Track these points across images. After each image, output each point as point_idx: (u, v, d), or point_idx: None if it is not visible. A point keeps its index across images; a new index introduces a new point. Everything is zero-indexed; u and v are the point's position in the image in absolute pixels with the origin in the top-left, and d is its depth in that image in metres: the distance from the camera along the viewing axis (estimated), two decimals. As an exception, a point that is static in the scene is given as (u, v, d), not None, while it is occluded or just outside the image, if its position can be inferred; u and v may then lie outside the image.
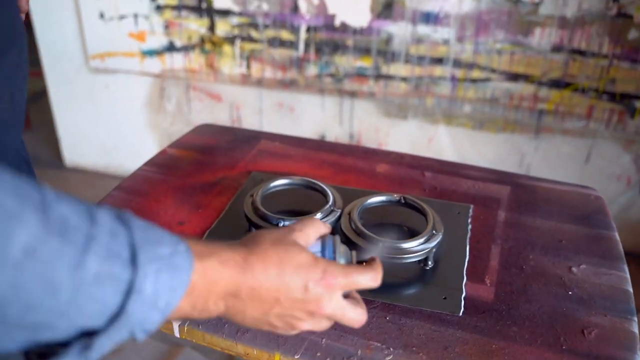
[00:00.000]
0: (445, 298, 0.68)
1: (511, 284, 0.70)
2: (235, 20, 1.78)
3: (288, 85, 1.86)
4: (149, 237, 0.38)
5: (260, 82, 1.88)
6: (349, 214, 0.75)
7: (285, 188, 0.81)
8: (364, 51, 1.74)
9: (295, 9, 1.72)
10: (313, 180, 0.80)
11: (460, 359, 0.60)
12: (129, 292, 0.35)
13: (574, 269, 0.73)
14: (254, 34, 1.79)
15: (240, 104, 1.94)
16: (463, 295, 0.68)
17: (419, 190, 0.89)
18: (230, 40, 1.82)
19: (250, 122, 1.96)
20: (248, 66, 1.86)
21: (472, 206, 0.85)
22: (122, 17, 1.88)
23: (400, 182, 0.91)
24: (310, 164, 0.97)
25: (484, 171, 0.95)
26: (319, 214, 0.74)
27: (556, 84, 1.64)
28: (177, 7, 1.81)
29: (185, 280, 0.40)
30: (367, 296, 0.68)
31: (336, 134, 1.91)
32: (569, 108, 1.66)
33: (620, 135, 1.66)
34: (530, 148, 1.76)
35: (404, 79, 1.76)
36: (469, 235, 0.79)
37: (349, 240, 0.72)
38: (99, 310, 0.35)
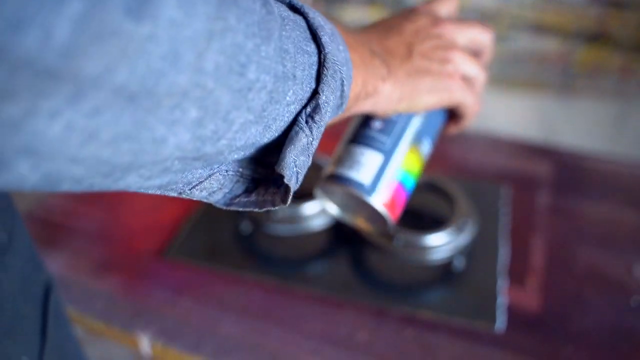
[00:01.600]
0: (479, 306, 0.55)
1: (560, 288, 0.57)
2: None
3: None
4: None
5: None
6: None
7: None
8: (371, 0, 1.56)
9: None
10: (316, 161, 0.66)
11: (502, 391, 0.47)
12: (313, 31, 0.29)
13: (636, 270, 0.59)
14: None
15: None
16: (502, 302, 0.55)
17: (442, 168, 0.75)
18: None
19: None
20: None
21: (504, 187, 0.71)
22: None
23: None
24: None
25: (518, 144, 0.80)
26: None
27: (589, 39, 1.47)
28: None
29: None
30: (381, 303, 0.55)
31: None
32: (602, 66, 1.50)
33: (657, 96, 1.49)
34: (556, 109, 1.61)
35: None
36: (503, 224, 0.65)
37: (355, 233, 0.58)
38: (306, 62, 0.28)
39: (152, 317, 0.54)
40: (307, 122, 0.28)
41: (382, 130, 0.46)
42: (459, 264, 0.59)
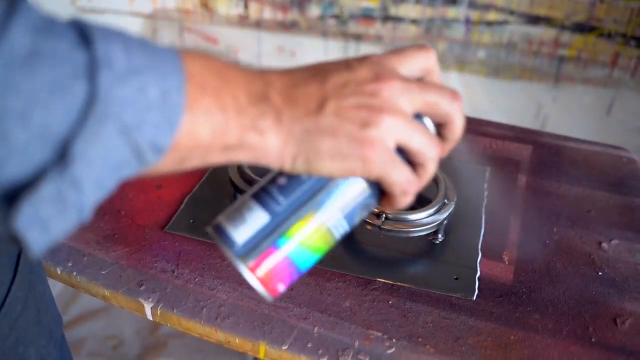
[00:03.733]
0: (457, 278, 0.59)
1: (532, 262, 0.62)
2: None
3: (289, 27, 1.72)
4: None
5: (259, 24, 1.74)
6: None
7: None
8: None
9: (296, -58, 1.56)
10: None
11: (474, 352, 0.52)
12: (92, 68, 0.26)
13: (605, 245, 0.64)
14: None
15: (238, 47, 1.81)
16: (477, 275, 0.60)
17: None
18: (227, -23, 1.68)
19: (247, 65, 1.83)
20: (245, 6, 1.71)
21: (488, 169, 0.75)
22: (108, -49, 1.73)
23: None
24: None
25: (502, 128, 0.84)
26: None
27: (580, 28, 1.50)
28: (168, -60, 1.66)
29: (178, 68, 0.29)
30: (366, 275, 0.59)
31: (340, 81, 1.79)
32: (593, 55, 1.53)
33: (646, 85, 1.53)
34: (548, 98, 1.64)
35: (414, 21, 1.62)
36: (485, 203, 0.69)
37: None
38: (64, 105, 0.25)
39: (154, 285, 0.58)
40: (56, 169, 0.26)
41: (282, 188, 0.39)
42: (440, 238, 0.63)
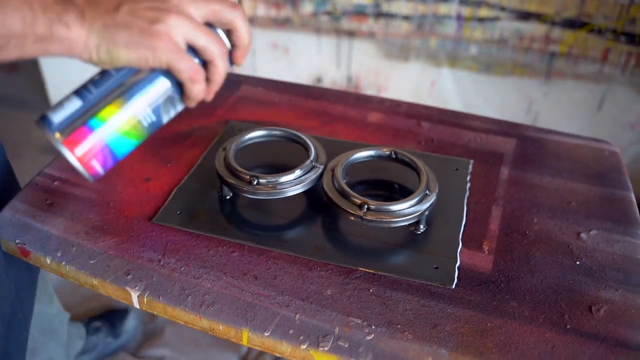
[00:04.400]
0: (437, 267, 0.61)
1: (512, 251, 0.63)
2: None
3: (282, 24, 1.73)
4: None
5: (252, 21, 1.75)
6: (333, 170, 0.67)
7: (263, 140, 0.73)
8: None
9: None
10: (293, 132, 0.71)
11: (450, 338, 0.53)
12: None
13: (583, 235, 0.65)
14: (244, -34, 1.65)
15: (232, 44, 1.82)
16: (457, 264, 0.61)
17: (414, 143, 0.81)
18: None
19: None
20: (239, 2, 1.72)
21: (471, 162, 0.76)
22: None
23: (395, 133, 0.82)
24: (295, 112, 0.87)
25: (487, 122, 0.85)
26: (298, 170, 0.65)
27: (570, 24, 1.51)
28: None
29: None
30: (348, 264, 0.61)
31: (333, 76, 1.80)
32: (583, 50, 1.54)
33: (637, 80, 1.54)
34: (539, 93, 1.65)
35: (406, 18, 1.63)
36: (467, 195, 0.71)
37: (330, 200, 0.64)
38: None
39: (141, 274, 0.60)
40: None
41: (95, 82, 0.49)
42: (422, 228, 0.65)
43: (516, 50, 1.59)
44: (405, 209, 0.62)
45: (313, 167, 0.67)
